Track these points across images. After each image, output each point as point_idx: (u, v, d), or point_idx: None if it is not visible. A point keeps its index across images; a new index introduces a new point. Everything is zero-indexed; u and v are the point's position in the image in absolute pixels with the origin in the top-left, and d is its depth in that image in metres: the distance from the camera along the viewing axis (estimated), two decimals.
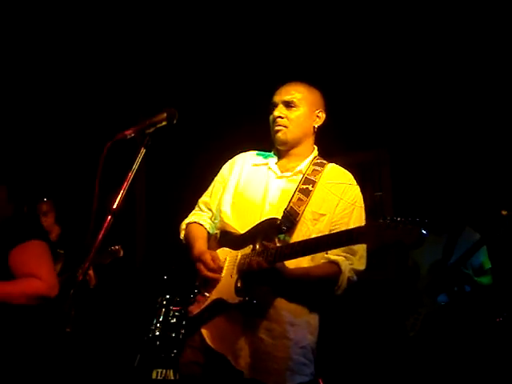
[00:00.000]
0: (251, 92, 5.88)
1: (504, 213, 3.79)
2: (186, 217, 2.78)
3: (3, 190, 2.78)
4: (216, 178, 2.77)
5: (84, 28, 5.53)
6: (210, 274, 2.40)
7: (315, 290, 2.41)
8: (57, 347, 2.68)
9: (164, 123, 2.01)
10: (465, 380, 4.03)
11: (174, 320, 4.38)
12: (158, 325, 4.38)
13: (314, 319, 2.43)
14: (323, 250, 2.28)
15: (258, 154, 2.70)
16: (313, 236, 2.34)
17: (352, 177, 2.54)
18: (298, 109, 2.55)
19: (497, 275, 4.24)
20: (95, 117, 6.44)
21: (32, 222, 2.79)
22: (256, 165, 2.64)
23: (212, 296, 2.40)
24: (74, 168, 6.09)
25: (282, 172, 2.55)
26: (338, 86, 5.42)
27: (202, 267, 2.43)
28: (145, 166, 7.10)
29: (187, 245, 2.62)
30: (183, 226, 2.72)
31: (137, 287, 5.91)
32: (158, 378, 4.25)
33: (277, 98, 2.58)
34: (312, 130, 2.59)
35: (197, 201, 2.86)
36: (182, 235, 2.70)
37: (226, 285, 2.37)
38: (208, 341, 2.37)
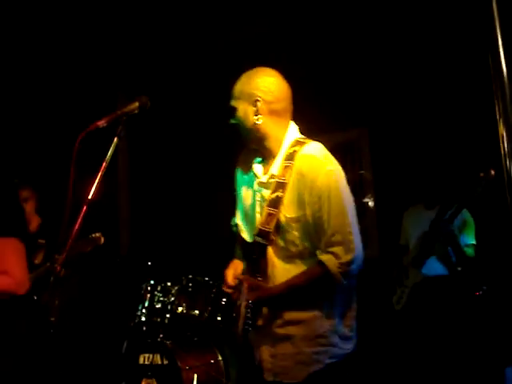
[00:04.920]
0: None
1: (482, 175, 3.87)
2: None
3: None
4: None
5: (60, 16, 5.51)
6: (226, 290, 2.56)
7: (311, 290, 2.39)
8: (42, 337, 2.71)
9: (136, 112, 2.03)
10: (449, 351, 4.13)
11: (159, 305, 4.39)
12: (144, 310, 4.39)
13: (329, 304, 2.40)
14: None
15: (253, 159, 2.62)
16: (297, 239, 2.37)
17: (319, 162, 2.36)
18: (236, 110, 2.49)
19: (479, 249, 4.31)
20: (74, 105, 6.41)
21: (8, 219, 2.80)
22: (249, 170, 2.60)
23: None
24: (56, 157, 6.08)
25: (263, 175, 2.51)
26: (317, 67, 5.45)
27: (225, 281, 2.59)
28: (128, 154, 7.12)
29: None
30: (233, 223, 2.78)
31: (122, 274, 5.92)
32: (145, 362, 4.29)
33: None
34: (257, 122, 2.43)
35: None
36: (234, 229, 2.76)
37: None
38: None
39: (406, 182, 4.86)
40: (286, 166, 2.40)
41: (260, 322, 2.44)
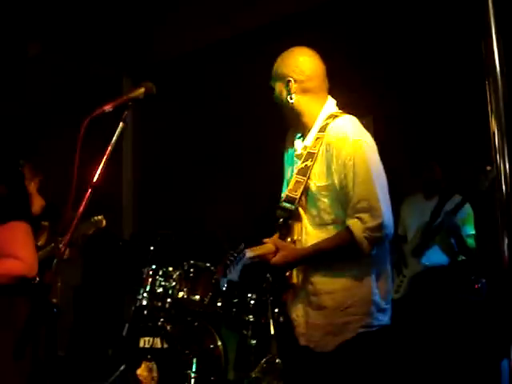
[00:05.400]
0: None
1: (488, 168, 3.87)
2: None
3: None
4: None
5: None
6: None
7: (339, 257, 2.44)
8: (45, 317, 2.74)
9: (141, 97, 2.05)
10: (447, 341, 4.16)
11: (161, 290, 4.44)
12: (145, 294, 4.44)
13: (361, 272, 2.44)
14: None
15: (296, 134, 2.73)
16: (329, 208, 2.45)
17: (347, 133, 2.42)
18: (273, 91, 2.63)
19: (479, 242, 4.33)
20: (80, 88, 6.43)
21: (15, 202, 2.82)
22: (291, 146, 2.71)
23: None
24: (62, 140, 6.10)
25: (299, 150, 2.62)
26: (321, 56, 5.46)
27: None
28: (133, 138, 7.15)
29: None
30: None
31: (124, 258, 5.97)
32: (146, 346, 4.33)
33: None
34: (291, 101, 2.56)
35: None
36: None
37: None
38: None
39: (409, 171, 4.87)
40: (317, 138, 2.51)
41: (294, 280, 2.53)
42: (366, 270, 2.43)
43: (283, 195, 2.58)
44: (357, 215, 2.34)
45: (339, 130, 2.45)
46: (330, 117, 2.53)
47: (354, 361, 2.39)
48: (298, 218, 2.53)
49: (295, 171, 2.56)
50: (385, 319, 2.46)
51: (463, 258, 4.32)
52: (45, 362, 2.44)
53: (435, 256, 4.34)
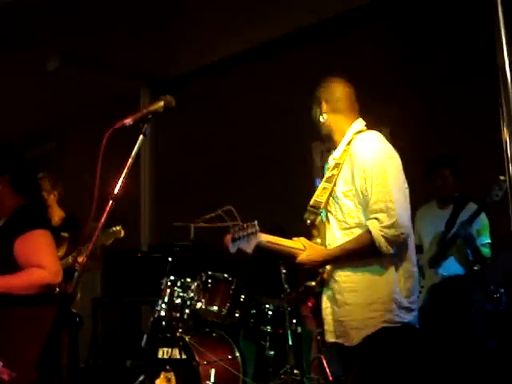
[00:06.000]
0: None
1: (502, 178, 3.87)
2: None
3: (6, 180, 2.86)
4: None
5: None
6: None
7: (363, 257, 2.60)
8: (68, 328, 2.77)
9: (161, 111, 2.07)
10: (466, 351, 4.14)
11: (179, 301, 4.46)
12: (163, 305, 4.46)
13: (382, 272, 2.59)
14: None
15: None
16: (353, 212, 2.65)
17: (368, 143, 2.69)
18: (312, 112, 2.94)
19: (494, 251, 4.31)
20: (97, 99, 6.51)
21: (35, 212, 2.87)
22: (319, 158, 2.93)
23: None
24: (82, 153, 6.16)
25: (330, 163, 2.87)
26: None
27: None
28: (150, 149, 7.22)
29: None
30: None
31: (142, 269, 6.00)
32: (164, 356, 4.35)
33: None
34: (322, 119, 2.85)
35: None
36: None
37: None
38: None
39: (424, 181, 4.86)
40: (344, 150, 2.77)
41: (325, 276, 2.71)
42: (388, 269, 2.59)
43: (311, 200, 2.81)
44: (374, 216, 2.54)
45: (362, 141, 2.71)
46: (356, 133, 2.79)
47: (377, 354, 2.54)
48: (325, 222, 2.78)
49: (323, 180, 2.82)
50: (408, 317, 2.59)
51: (479, 266, 4.29)
52: (67, 370, 2.48)
53: (452, 266, 4.32)
